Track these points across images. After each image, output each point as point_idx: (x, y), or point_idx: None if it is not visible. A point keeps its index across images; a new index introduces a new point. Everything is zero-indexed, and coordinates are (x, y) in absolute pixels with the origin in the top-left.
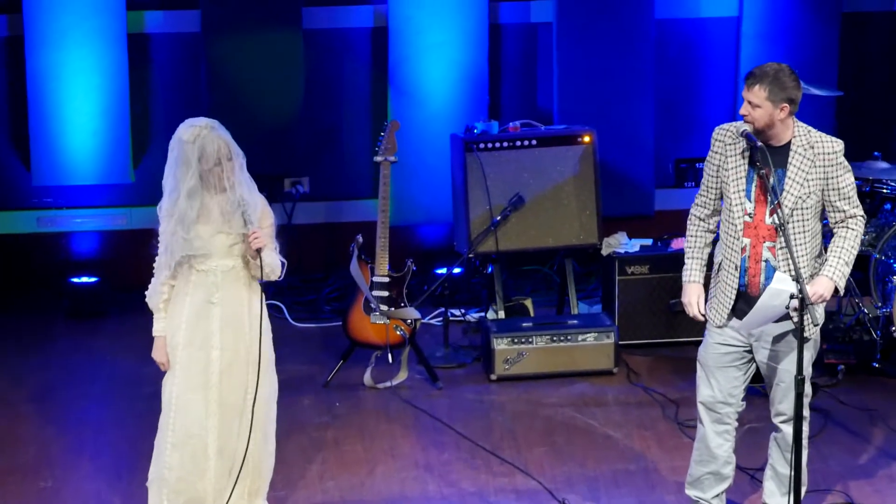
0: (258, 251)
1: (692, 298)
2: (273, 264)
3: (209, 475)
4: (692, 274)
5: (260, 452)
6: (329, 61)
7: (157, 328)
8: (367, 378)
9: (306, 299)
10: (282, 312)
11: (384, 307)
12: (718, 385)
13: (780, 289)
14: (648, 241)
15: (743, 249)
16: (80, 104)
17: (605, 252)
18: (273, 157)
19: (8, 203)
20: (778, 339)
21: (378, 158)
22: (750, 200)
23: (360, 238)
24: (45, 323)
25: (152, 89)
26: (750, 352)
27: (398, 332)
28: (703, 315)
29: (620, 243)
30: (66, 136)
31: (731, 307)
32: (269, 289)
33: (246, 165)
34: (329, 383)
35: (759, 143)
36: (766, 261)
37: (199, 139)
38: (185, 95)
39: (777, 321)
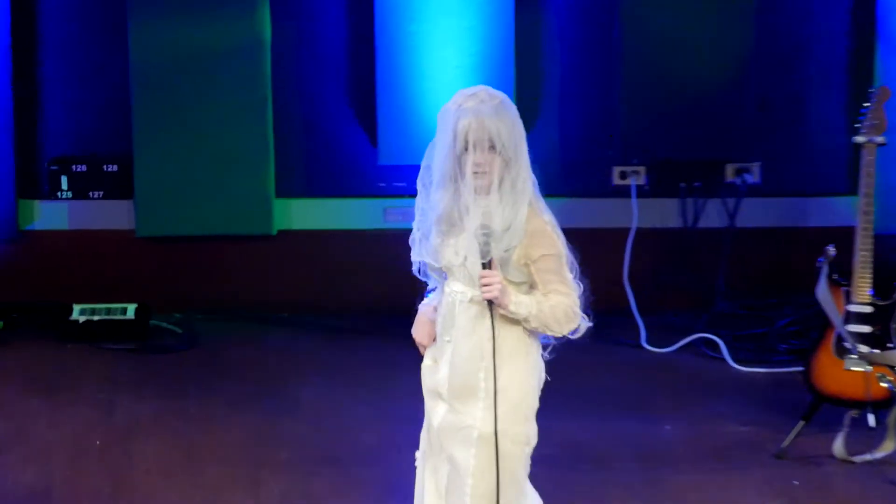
0: (490, 303)
1: None
2: (540, 318)
3: None
4: None
5: None
6: (786, 12)
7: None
8: (838, 447)
9: (753, 333)
10: (718, 350)
11: (864, 348)
12: None
13: None
14: None
15: None
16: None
17: None
18: (708, 136)
19: (353, 188)
20: None
21: (859, 139)
22: None
23: (831, 250)
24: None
25: (545, 52)
26: None
27: (885, 385)
28: None
29: None
30: (417, 107)
31: None
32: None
33: (527, 165)
34: (784, 453)
35: None
36: None
37: (458, 111)
38: (593, 60)
39: None
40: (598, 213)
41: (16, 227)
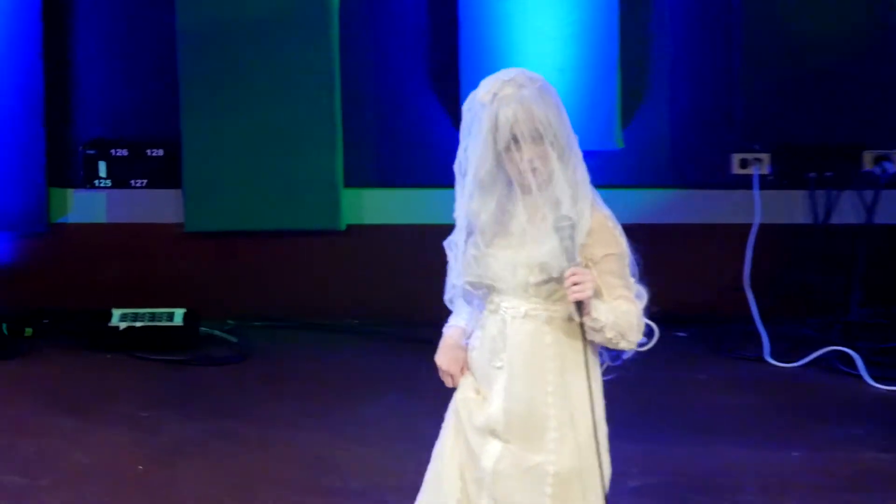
0: (578, 306)
1: None
2: (619, 325)
3: None
4: None
5: None
6: None
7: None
8: None
9: (893, 346)
10: (853, 366)
11: None
12: None
13: None
14: None
15: None
16: None
17: None
18: (842, 118)
19: (432, 176)
20: None
21: None
22: None
23: None
24: None
25: (651, 24)
26: None
27: None
28: None
29: None
30: None
31: None
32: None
33: (579, 153)
34: None
35: None
36: None
37: (494, 100)
38: (708, 32)
39: None
40: (715, 206)
41: (46, 219)
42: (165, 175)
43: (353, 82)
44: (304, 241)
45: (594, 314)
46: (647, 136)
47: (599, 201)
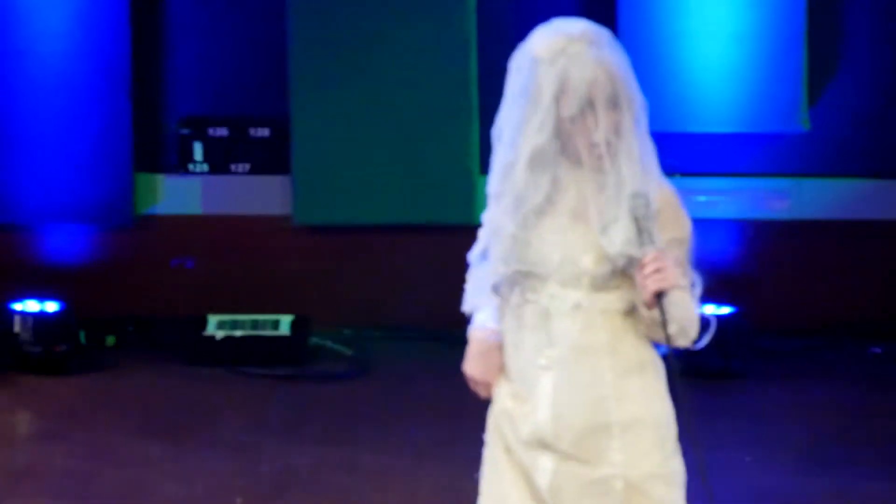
0: (658, 296)
1: None
2: (684, 318)
3: None
4: None
5: None
6: None
7: None
8: None
9: None
10: None
11: None
12: None
13: None
14: None
15: None
16: None
17: None
18: None
19: None
20: None
21: None
22: None
23: None
24: None
25: None
26: None
27: None
28: None
29: None
30: (675, 54)
31: None
32: None
33: (647, 123)
34: None
35: None
36: None
37: (561, 57)
38: None
39: None
40: None
41: (132, 210)
42: (271, 159)
43: (491, 52)
44: (433, 237)
45: (674, 310)
46: (837, 117)
47: (661, 174)
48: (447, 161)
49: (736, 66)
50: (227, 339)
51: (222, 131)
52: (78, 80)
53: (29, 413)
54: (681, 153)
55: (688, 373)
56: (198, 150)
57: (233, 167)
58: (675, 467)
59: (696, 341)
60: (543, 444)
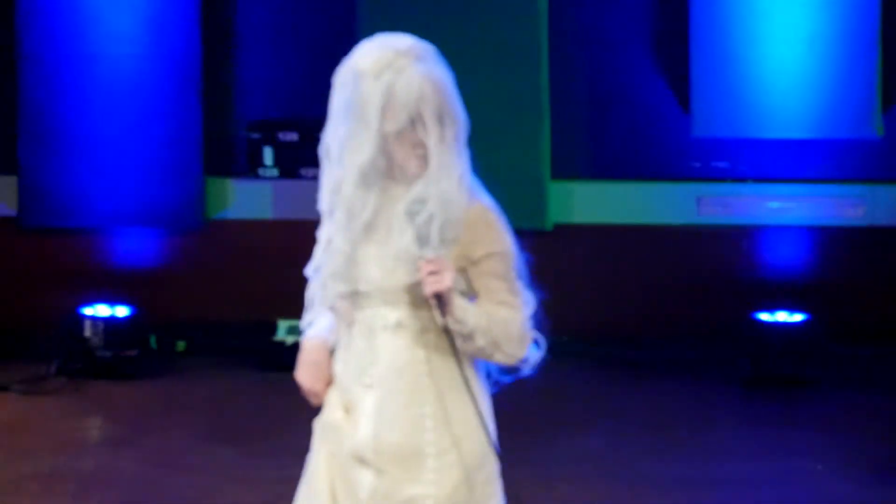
0: (438, 300)
1: None
2: (501, 334)
3: None
4: None
5: None
6: None
7: None
8: None
9: None
10: None
11: None
12: None
13: None
14: None
15: None
16: None
17: None
18: None
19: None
20: None
21: None
22: None
23: None
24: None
25: None
26: None
27: None
28: None
29: None
30: (747, 57)
31: None
32: None
33: (465, 137)
34: None
35: None
36: None
37: (387, 71)
38: None
39: None
40: None
41: (202, 214)
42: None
43: (562, 54)
44: None
45: (458, 314)
46: None
47: (481, 190)
48: (516, 166)
49: (809, 71)
50: (297, 344)
51: (292, 135)
52: (149, 85)
53: (99, 418)
54: (754, 159)
55: (761, 380)
56: (268, 155)
57: (302, 171)
58: (489, 492)
59: (521, 360)
60: (363, 461)
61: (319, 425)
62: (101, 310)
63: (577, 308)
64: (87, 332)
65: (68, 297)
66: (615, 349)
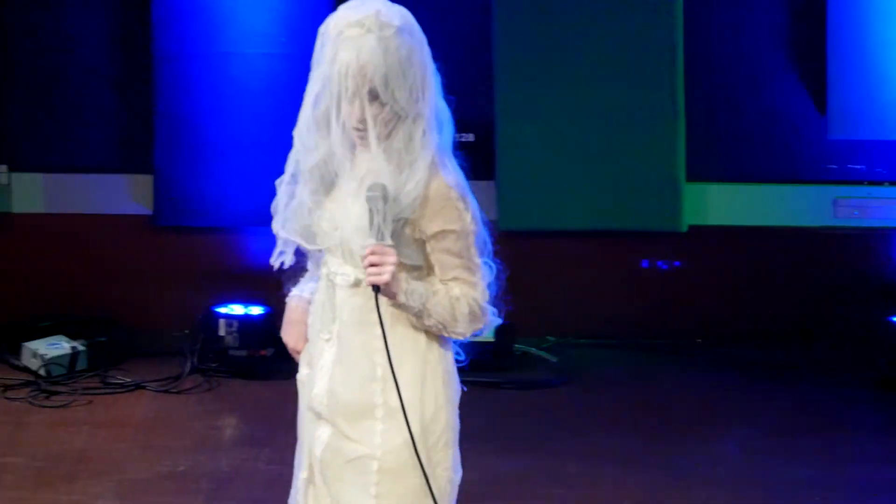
0: (375, 290)
1: None
2: (440, 313)
3: None
4: None
5: None
6: None
7: None
8: None
9: None
10: None
11: None
12: None
13: None
14: None
15: None
16: None
17: None
18: None
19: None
20: None
21: None
22: None
23: None
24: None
25: None
26: None
27: None
28: None
29: None
30: (884, 57)
31: None
32: None
33: (430, 115)
34: None
35: None
36: None
37: (339, 39)
38: None
39: None
40: None
41: None
42: (476, 164)
43: (696, 55)
44: (636, 244)
45: (402, 299)
46: None
47: (452, 169)
48: (652, 166)
49: None
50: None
51: None
52: (281, 85)
53: (233, 417)
54: (890, 161)
55: (873, 384)
56: None
57: None
58: (447, 458)
59: (475, 334)
60: (320, 415)
61: (298, 381)
62: (236, 309)
63: (710, 306)
64: (222, 332)
65: (203, 296)
66: (749, 351)
